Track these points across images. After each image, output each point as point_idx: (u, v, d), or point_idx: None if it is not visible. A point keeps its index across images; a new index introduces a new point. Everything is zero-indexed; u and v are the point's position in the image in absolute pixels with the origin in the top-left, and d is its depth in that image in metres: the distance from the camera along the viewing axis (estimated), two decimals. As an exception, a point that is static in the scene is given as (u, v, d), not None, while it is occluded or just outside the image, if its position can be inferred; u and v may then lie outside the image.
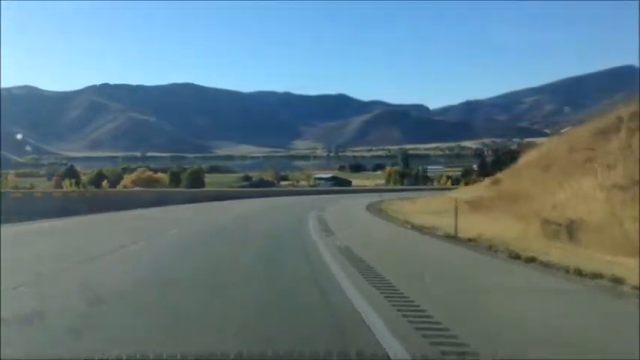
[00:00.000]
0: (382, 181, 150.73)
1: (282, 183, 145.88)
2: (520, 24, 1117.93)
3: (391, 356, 4.94)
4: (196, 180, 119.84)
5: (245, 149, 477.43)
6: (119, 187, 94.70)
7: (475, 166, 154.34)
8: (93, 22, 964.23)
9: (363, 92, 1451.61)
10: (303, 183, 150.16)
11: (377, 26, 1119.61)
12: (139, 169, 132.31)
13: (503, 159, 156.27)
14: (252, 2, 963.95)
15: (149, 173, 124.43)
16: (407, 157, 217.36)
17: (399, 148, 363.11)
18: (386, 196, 63.63)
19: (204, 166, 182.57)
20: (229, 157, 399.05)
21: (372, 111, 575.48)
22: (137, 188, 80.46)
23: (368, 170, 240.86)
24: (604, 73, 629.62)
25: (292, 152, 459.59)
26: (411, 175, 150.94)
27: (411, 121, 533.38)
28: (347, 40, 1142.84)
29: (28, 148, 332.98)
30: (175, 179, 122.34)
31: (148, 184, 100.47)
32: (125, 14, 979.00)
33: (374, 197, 59.99)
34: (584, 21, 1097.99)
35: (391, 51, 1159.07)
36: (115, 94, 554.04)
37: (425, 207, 38.76)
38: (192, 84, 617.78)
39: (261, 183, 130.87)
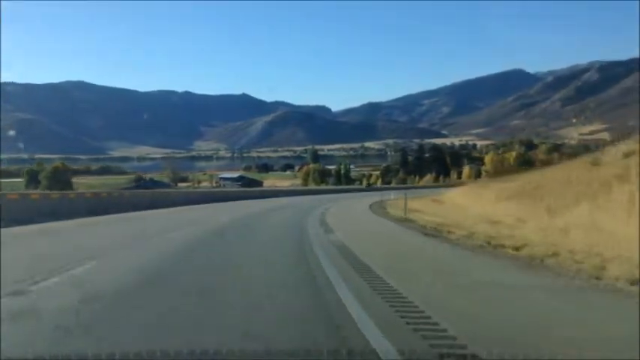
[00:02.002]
0: (297, 181, 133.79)
1: (181, 184, 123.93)
2: (416, 28, 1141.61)
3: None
4: (58, 181, 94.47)
5: (143, 150, 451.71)
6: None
7: (390, 164, 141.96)
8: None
9: (266, 93, 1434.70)
10: (205, 184, 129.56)
11: (280, 27, 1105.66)
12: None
13: (426, 158, 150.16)
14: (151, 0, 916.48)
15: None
16: (317, 157, 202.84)
17: (307, 148, 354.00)
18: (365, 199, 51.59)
19: (94, 166, 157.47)
20: (126, 159, 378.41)
21: (276, 112, 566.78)
22: None
23: (276, 170, 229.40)
24: (496, 76, 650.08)
25: (194, 153, 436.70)
26: (330, 175, 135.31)
27: (315, 122, 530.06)
28: (250, 40, 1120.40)
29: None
30: (34, 180, 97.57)
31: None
32: (11, 9, 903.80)
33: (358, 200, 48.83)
34: (477, 25, 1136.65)
35: (294, 52, 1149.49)
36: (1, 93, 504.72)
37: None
38: (84, 82, 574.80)
39: (152, 184, 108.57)
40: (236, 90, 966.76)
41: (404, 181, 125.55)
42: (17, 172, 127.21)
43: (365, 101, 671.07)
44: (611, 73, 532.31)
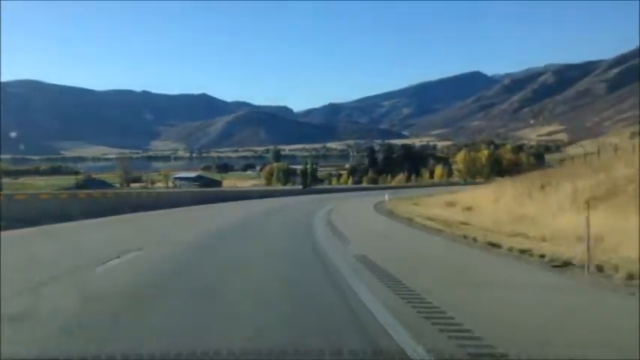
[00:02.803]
0: (260, 181, 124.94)
1: (134, 185, 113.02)
2: (377, 30, 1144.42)
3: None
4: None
5: (99, 150, 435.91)
6: None
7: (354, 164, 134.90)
8: None
9: (226, 93, 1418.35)
10: (159, 185, 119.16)
11: (241, 27, 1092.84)
12: None
13: (394, 157, 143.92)
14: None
15: None
16: (279, 157, 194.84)
17: (269, 148, 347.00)
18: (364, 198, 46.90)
19: (44, 166, 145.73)
20: (80, 159, 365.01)
21: (237, 112, 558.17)
22: None
23: (237, 170, 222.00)
24: (455, 78, 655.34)
25: (151, 153, 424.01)
26: (295, 174, 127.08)
27: (276, 122, 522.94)
28: (210, 39, 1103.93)
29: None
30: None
31: None
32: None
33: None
34: (436, 30, 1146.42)
35: (255, 53, 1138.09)
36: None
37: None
38: (36, 81, 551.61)
39: (94, 184, 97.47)
40: (195, 90, 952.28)
41: (375, 181, 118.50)
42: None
43: (326, 102, 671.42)
44: (567, 75, 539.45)
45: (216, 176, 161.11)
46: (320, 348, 4.51)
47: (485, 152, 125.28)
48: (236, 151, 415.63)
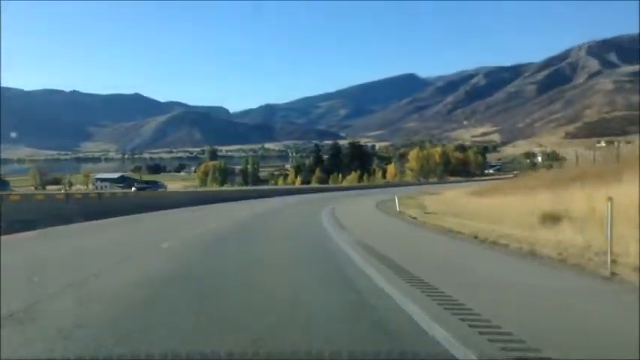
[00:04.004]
0: (194, 182, 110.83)
1: (51, 188, 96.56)
2: (313, 31, 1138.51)
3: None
4: None
5: (25, 152, 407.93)
6: None
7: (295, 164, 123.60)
8: None
9: (160, 93, 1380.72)
10: (79, 187, 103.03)
11: (174, 25, 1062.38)
12: None
13: (342, 157, 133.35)
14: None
15: None
16: (215, 157, 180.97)
17: (204, 149, 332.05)
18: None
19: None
20: (5, 161, 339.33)
21: (171, 112, 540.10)
22: None
23: (169, 171, 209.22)
24: (389, 80, 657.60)
25: (80, 154, 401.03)
26: (233, 174, 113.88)
27: (212, 123, 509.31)
28: (142, 38, 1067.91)
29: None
30: None
31: None
32: None
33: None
34: (370, 31, 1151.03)
35: (189, 51, 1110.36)
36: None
37: None
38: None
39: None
40: (128, 89, 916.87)
41: (325, 181, 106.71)
42: None
43: (263, 102, 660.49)
44: (498, 77, 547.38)
45: (146, 178, 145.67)
46: (320, 349, 4.38)
47: (439, 149, 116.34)
48: (170, 152, 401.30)
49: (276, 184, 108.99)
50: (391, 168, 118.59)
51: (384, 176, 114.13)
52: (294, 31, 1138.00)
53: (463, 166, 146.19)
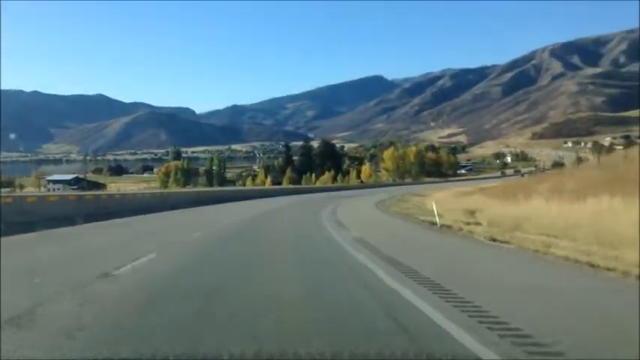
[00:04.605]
0: (156, 184, 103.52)
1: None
2: (280, 33, 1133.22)
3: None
4: None
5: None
6: None
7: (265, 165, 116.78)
8: None
9: (124, 93, 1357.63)
10: (29, 189, 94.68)
11: (139, 26, 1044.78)
12: None
13: (314, 157, 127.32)
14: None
15: None
16: (180, 157, 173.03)
17: (168, 150, 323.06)
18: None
19: None
20: None
21: (135, 112, 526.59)
22: None
23: (132, 173, 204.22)
24: (356, 82, 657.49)
25: (42, 156, 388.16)
26: (196, 175, 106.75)
27: (178, 124, 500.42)
28: (106, 38, 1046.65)
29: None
30: None
31: None
32: None
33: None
34: (336, 33, 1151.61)
35: (155, 52, 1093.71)
36: None
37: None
38: None
39: None
40: (91, 90, 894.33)
41: (297, 181, 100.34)
42: None
43: (229, 103, 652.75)
44: (463, 79, 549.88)
45: (108, 180, 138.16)
46: (321, 349, 4.25)
47: (413, 149, 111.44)
48: (135, 153, 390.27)
49: (244, 185, 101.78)
50: (366, 168, 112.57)
51: (358, 176, 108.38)
52: (260, 31, 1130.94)
53: (436, 167, 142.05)
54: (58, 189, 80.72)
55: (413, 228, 17.67)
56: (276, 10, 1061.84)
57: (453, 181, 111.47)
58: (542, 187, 19.99)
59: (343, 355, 4.11)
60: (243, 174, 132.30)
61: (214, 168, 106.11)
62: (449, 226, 15.58)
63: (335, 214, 24.15)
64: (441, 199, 30.32)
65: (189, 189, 69.49)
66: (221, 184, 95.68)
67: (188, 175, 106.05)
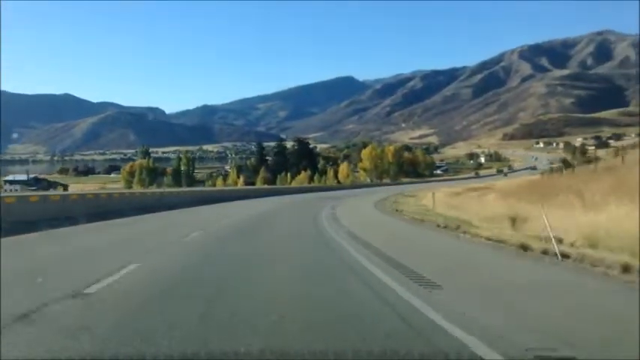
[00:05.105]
0: (121, 184, 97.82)
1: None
2: (250, 32, 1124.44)
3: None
4: None
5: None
6: None
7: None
8: None
9: (92, 93, 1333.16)
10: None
11: (107, 25, 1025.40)
12: None
13: (289, 156, 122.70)
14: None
15: None
16: (149, 157, 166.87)
17: (137, 150, 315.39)
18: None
19: None
20: None
21: (104, 112, 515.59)
22: None
23: (99, 173, 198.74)
24: (328, 82, 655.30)
25: (7, 157, 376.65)
26: (163, 174, 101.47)
27: (147, 124, 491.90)
28: (73, 36, 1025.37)
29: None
30: None
31: None
32: None
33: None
34: (308, 33, 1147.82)
35: (123, 50, 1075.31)
36: None
37: None
38: None
39: None
40: (58, 89, 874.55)
41: (271, 181, 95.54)
42: None
43: (200, 103, 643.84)
44: (434, 81, 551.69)
45: (71, 180, 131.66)
46: (323, 349, 4.25)
47: (391, 148, 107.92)
48: (103, 153, 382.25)
49: (213, 185, 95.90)
50: (343, 168, 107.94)
51: (335, 176, 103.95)
52: (230, 31, 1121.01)
53: (413, 167, 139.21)
54: (16, 189, 74.94)
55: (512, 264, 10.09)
56: (246, 10, 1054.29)
57: (432, 181, 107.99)
58: (596, 188, 15.84)
59: (346, 354, 4.08)
60: (214, 174, 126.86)
61: (182, 167, 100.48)
62: (565, 255, 9.66)
63: (344, 227, 17.17)
64: (466, 205, 24.95)
65: (151, 189, 63.35)
66: (190, 185, 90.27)
67: (154, 175, 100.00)
